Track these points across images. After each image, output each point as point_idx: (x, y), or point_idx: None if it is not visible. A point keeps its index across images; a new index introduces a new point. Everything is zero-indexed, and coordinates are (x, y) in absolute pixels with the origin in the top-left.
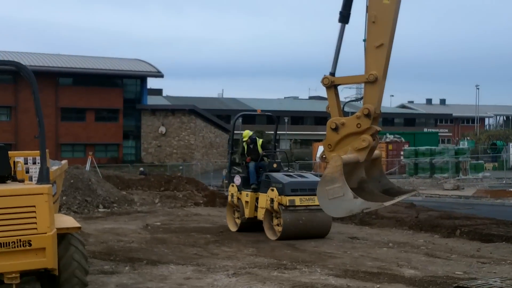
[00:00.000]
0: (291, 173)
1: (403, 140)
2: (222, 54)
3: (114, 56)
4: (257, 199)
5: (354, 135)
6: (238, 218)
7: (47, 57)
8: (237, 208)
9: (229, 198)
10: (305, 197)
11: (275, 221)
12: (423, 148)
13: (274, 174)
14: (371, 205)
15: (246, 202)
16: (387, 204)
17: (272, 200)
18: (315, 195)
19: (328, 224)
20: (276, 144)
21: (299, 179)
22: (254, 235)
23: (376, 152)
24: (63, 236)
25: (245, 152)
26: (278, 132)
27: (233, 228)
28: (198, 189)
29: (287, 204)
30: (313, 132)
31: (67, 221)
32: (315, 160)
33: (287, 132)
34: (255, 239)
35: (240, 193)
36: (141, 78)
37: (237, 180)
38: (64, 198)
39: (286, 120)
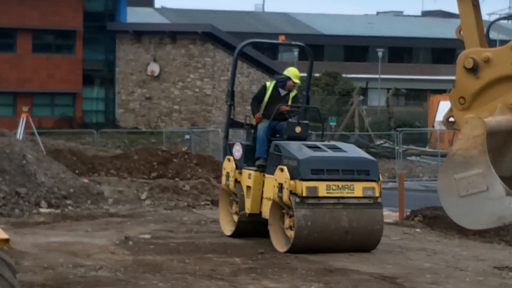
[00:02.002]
0: (318, 143)
1: None
2: None
3: None
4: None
5: (509, 80)
6: (236, 213)
7: None
8: (235, 198)
9: (223, 180)
10: (336, 183)
11: (287, 222)
12: None
13: (288, 144)
14: None
15: (248, 187)
16: None
17: (280, 187)
18: (354, 180)
19: (377, 229)
20: (309, 95)
21: (329, 152)
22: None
23: None
24: None
25: (267, 98)
26: (359, 76)
27: (228, 230)
28: (217, 176)
29: (305, 195)
30: (429, 76)
31: None
32: (433, 126)
33: (382, 76)
34: (322, 263)
35: (240, 173)
36: None
37: (237, 150)
38: None
39: (379, 55)
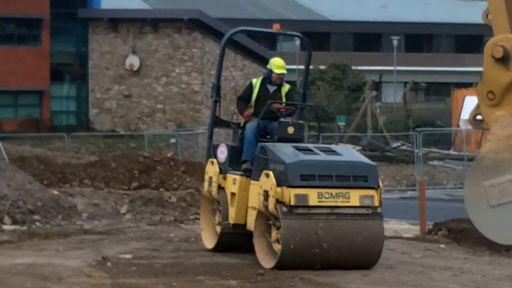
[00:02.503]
0: (310, 146)
1: None
2: None
3: None
4: None
5: None
6: (219, 224)
7: None
8: (218, 206)
9: (205, 186)
10: (329, 190)
11: (274, 234)
12: None
13: (275, 146)
14: None
15: (233, 194)
16: None
17: (266, 195)
18: (350, 187)
19: (377, 244)
20: (306, 92)
21: (321, 156)
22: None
23: None
24: None
25: (254, 97)
26: (372, 68)
27: (210, 243)
28: None
29: (293, 203)
30: (452, 67)
31: None
32: (458, 126)
33: (397, 68)
34: (331, 285)
35: (225, 178)
36: None
37: (222, 152)
38: None
39: (394, 43)
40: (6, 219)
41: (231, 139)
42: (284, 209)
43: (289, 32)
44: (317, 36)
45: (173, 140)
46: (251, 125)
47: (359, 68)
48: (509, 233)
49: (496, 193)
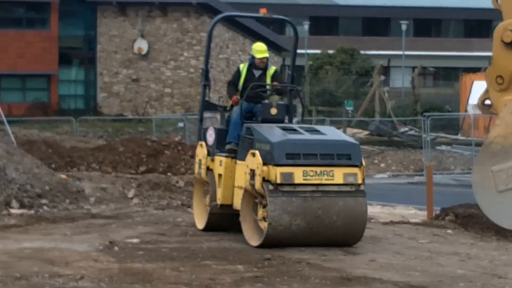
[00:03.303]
0: (294, 126)
1: None
2: None
3: None
4: None
5: None
6: (209, 205)
7: None
8: (208, 187)
9: (196, 168)
10: (314, 168)
11: (260, 212)
12: None
13: (261, 126)
14: None
15: (220, 176)
16: None
17: (252, 174)
18: (334, 165)
19: (361, 221)
20: (294, 74)
21: (305, 135)
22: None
23: None
24: None
25: (241, 82)
26: (380, 53)
27: (201, 224)
28: None
29: (279, 181)
30: (461, 52)
31: None
32: (466, 111)
33: (406, 53)
34: (338, 270)
35: (213, 160)
36: None
37: (210, 135)
38: None
39: (403, 28)
40: (14, 203)
41: (219, 122)
42: (271, 187)
43: (275, 16)
44: (326, 20)
45: (181, 124)
46: (237, 108)
47: (368, 52)
48: None
49: (504, 178)
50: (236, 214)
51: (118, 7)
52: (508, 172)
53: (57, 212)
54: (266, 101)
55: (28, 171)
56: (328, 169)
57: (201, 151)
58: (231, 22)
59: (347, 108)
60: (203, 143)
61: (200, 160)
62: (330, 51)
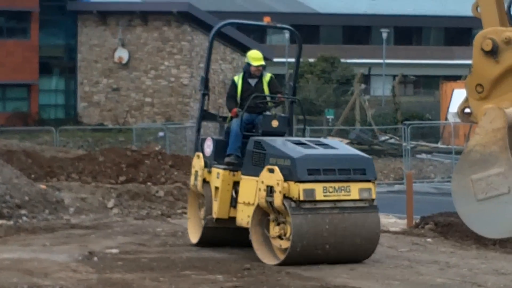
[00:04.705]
0: (301, 140)
1: None
2: None
3: None
4: (235, 184)
5: None
6: (204, 218)
7: None
8: (204, 200)
9: (192, 180)
10: (333, 184)
11: (275, 230)
12: None
13: (273, 140)
14: None
15: (217, 189)
16: None
17: (270, 190)
18: (350, 180)
19: (375, 236)
20: (296, 85)
21: (320, 150)
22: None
23: None
24: None
25: (239, 93)
26: (361, 61)
27: (195, 238)
28: None
29: (301, 198)
30: (441, 60)
31: None
32: (446, 119)
33: (386, 61)
34: (318, 280)
35: (210, 172)
36: None
37: (208, 146)
38: None
39: (383, 36)
40: None
41: (218, 133)
42: (293, 204)
43: (279, 25)
44: (307, 29)
45: (161, 134)
46: (237, 119)
47: (348, 61)
48: (495, 226)
49: (484, 187)
50: (231, 228)
51: (98, 16)
52: (488, 180)
53: (36, 222)
54: (267, 112)
55: (7, 181)
56: (345, 184)
57: (197, 163)
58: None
59: (328, 117)
60: (200, 154)
61: (196, 171)
62: (311, 60)
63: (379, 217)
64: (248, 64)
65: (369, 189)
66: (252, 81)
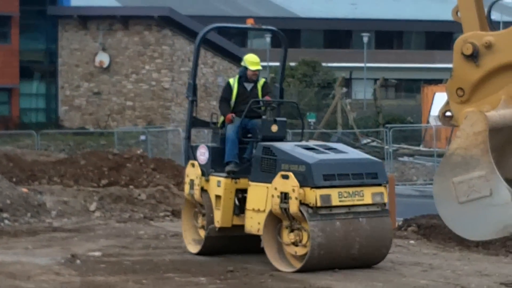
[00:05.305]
0: (309, 144)
1: None
2: None
3: None
4: (237, 191)
5: None
6: (203, 227)
7: None
8: (201, 209)
9: (186, 189)
10: (348, 189)
11: (289, 236)
12: None
13: (283, 145)
14: None
15: (218, 197)
16: None
17: (285, 196)
18: (364, 185)
19: (388, 240)
20: (283, 88)
21: (331, 154)
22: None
23: None
24: None
25: (234, 97)
26: (342, 65)
27: (194, 248)
28: (178, 183)
29: (319, 204)
30: (422, 64)
31: None
32: (428, 122)
33: (368, 65)
34: (302, 282)
35: (207, 181)
36: None
37: (202, 154)
38: None
39: (364, 40)
40: None
41: (210, 140)
42: (310, 210)
43: (264, 27)
44: (288, 33)
45: (143, 137)
46: (233, 125)
47: (330, 65)
48: (477, 228)
49: (465, 190)
50: (234, 237)
51: (79, 21)
52: (469, 183)
53: (18, 225)
54: (265, 117)
55: None
56: (359, 189)
57: (192, 171)
58: (193, 35)
59: (309, 120)
60: (195, 163)
61: (192, 180)
62: (292, 64)
63: (390, 221)
64: (245, 68)
65: (381, 193)
66: (248, 86)
